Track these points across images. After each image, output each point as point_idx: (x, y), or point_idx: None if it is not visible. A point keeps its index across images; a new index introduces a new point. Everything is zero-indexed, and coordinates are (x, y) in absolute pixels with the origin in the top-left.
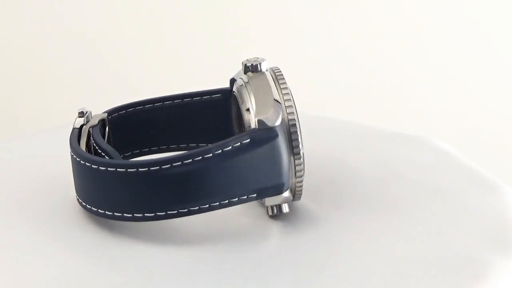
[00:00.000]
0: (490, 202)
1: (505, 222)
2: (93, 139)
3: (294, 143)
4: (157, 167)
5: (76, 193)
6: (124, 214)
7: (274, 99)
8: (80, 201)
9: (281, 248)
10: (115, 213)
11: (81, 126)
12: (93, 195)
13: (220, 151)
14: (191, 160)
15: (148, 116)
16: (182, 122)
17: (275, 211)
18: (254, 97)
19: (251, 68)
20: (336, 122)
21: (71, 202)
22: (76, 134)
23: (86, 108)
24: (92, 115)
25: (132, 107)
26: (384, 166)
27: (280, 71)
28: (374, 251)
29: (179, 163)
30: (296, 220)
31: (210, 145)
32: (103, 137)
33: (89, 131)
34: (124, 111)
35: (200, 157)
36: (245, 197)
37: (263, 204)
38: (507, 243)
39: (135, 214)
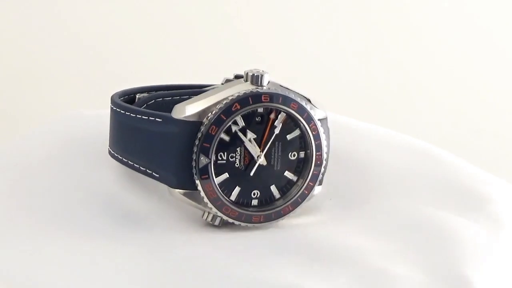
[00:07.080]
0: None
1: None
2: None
3: (201, 148)
4: (118, 110)
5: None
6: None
7: (202, 101)
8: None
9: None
10: (115, 154)
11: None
12: (111, 137)
13: (134, 115)
14: (123, 112)
15: None
16: None
17: (207, 218)
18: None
19: (251, 79)
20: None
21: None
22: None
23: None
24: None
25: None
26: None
27: (254, 90)
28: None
29: (120, 110)
30: None
31: (138, 108)
32: None
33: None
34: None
35: (123, 112)
36: (151, 172)
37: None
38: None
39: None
